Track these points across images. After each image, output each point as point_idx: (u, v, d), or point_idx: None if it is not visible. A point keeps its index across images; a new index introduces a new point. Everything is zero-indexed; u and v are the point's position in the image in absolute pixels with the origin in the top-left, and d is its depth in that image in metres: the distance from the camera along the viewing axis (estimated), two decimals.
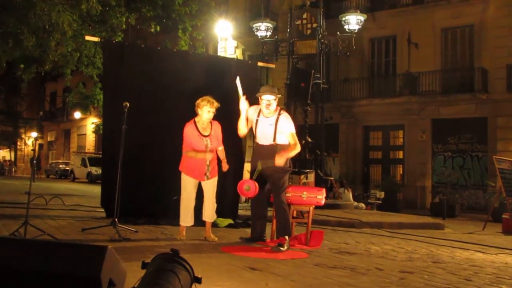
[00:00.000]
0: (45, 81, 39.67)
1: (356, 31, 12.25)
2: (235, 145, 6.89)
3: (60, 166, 33.86)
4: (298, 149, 5.46)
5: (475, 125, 18.87)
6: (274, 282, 3.68)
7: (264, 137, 5.44)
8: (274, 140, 5.38)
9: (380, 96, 20.68)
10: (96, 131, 28.18)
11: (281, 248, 5.14)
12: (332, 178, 14.63)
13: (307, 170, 10.52)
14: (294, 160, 7.07)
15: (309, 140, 11.77)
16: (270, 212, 5.76)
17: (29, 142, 43.36)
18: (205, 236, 5.65)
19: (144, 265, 2.57)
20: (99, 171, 20.16)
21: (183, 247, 4.85)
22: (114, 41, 9.78)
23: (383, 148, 21.99)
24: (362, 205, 14.10)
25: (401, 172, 21.20)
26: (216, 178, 5.68)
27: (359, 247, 5.90)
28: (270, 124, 5.39)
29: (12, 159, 43.08)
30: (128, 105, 5.56)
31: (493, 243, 7.39)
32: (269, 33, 13.21)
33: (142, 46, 10.11)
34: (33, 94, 44.69)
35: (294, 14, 13.12)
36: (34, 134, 39.71)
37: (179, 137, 5.59)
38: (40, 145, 43.32)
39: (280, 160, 5.26)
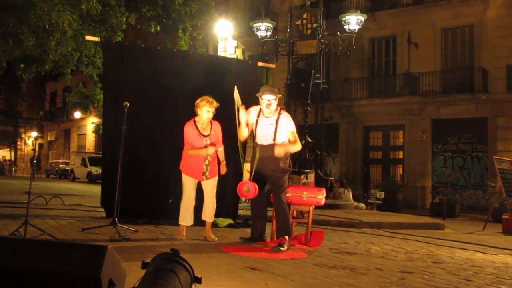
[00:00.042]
0: (45, 80, 39.67)
1: (356, 31, 12.25)
2: (235, 144, 6.89)
3: (60, 165, 33.88)
4: (298, 146, 5.46)
5: (475, 125, 18.88)
6: (274, 282, 3.68)
7: (264, 137, 5.44)
8: (274, 140, 5.38)
9: (380, 96, 20.68)
10: (96, 131, 28.17)
11: (281, 248, 5.14)
12: (332, 178, 14.63)
13: (307, 170, 10.53)
14: (294, 160, 7.07)
15: (309, 140, 11.77)
16: (270, 212, 5.76)
17: (29, 141, 43.38)
18: (205, 236, 5.65)
19: (144, 265, 2.57)
20: (99, 171, 20.18)
21: (183, 247, 4.85)
22: (114, 41, 9.78)
23: (383, 148, 22.00)
24: (362, 205, 14.10)
25: (401, 172, 21.20)
26: (216, 178, 5.68)
27: (359, 247, 5.90)
28: (271, 124, 5.38)
29: (12, 158, 43.11)
30: (128, 105, 5.56)
31: (493, 243, 7.39)
32: (269, 33, 13.22)
33: (142, 46, 10.12)
34: (33, 93, 44.71)
35: (294, 14, 13.13)
36: (34, 133, 39.73)
37: (179, 137, 5.59)
38: (40, 145, 43.33)
39: (279, 150, 5.26)
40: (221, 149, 5.72)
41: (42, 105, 43.59)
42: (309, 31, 12.76)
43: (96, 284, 2.26)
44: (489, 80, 18.54)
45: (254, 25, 13.29)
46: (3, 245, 2.48)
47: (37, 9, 10.29)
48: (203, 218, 5.68)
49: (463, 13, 19.04)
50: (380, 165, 21.85)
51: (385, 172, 21.15)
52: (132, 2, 13.13)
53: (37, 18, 10.45)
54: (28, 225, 4.92)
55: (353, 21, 12.17)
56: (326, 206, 8.54)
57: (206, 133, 5.53)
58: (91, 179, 26.43)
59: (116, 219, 5.44)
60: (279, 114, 5.41)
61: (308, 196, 5.75)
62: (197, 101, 5.50)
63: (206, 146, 5.49)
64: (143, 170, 6.85)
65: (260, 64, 8.57)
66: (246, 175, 5.44)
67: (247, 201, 9.48)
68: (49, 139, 45.08)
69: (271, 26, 13.25)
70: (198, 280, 2.59)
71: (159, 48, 8.75)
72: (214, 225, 6.37)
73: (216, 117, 5.61)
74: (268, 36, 13.23)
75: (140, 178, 6.80)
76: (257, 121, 5.47)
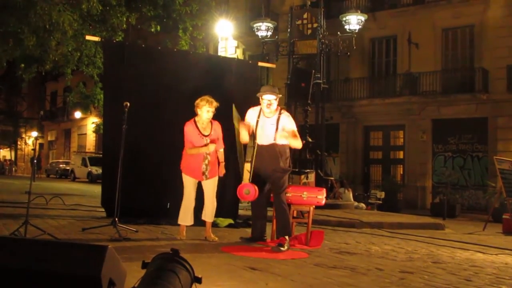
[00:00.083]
0: (46, 80, 39.67)
1: (356, 31, 12.25)
2: (235, 144, 6.89)
3: (61, 165, 33.89)
4: (299, 142, 5.46)
5: (475, 125, 18.87)
6: (274, 282, 3.68)
7: (265, 137, 5.43)
8: (275, 139, 5.38)
9: (381, 96, 20.66)
10: (96, 131, 28.20)
11: (281, 248, 5.14)
12: (332, 178, 14.62)
13: (308, 170, 10.52)
14: (294, 160, 7.07)
15: (310, 140, 11.77)
16: (270, 212, 5.76)
17: (30, 141, 43.41)
18: (205, 236, 5.65)
19: (144, 265, 2.57)
20: (100, 170, 20.18)
21: (183, 247, 4.86)
22: (114, 41, 9.78)
23: (383, 148, 21.99)
24: (363, 205, 14.10)
25: (401, 172, 21.20)
26: (216, 178, 5.68)
27: (359, 247, 5.90)
28: (272, 123, 5.39)
29: (13, 158, 43.15)
30: (128, 104, 5.56)
31: (494, 244, 7.39)
32: (269, 33, 13.22)
33: (143, 45, 10.14)
34: (33, 93, 44.74)
35: (295, 14, 13.12)
36: (34, 133, 39.81)
37: (179, 136, 5.60)
38: (41, 145, 43.34)
39: (280, 138, 5.27)
40: (221, 150, 5.72)
41: (43, 105, 43.61)
42: (309, 31, 12.75)
43: (96, 284, 2.26)
44: (489, 80, 18.53)
45: (255, 25, 13.29)
46: (3, 245, 2.48)
47: (38, 9, 10.29)
48: (203, 218, 5.68)
49: (464, 13, 19.03)
50: (381, 165, 21.84)
51: (385, 172, 21.14)
52: (133, 2, 13.13)
53: (37, 18, 10.45)
54: (28, 225, 4.92)
55: (354, 21, 12.17)
56: (326, 206, 8.54)
57: (206, 133, 5.53)
58: (91, 179, 26.44)
59: (116, 219, 5.44)
60: (280, 113, 5.42)
61: (308, 196, 5.75)
62: (197, 101, 5.49)
63: (206, 145, 5.49)
64: (143, 170, 6.85)
65: (260, 64, 8.58)
66: (246, 175, 5.44)
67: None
68: (49, 139, 45.10)
69: (272, 26, 13.26)
70: (198, 280, 2.59)
71: (159, 48, 8.76)
72: (215, 225, 6.37)
73: (216, 117, 5.61)
74: (269, 36, 13.23)
75: (140, 178, 6.81)
76: (257, 121, 5.47)
